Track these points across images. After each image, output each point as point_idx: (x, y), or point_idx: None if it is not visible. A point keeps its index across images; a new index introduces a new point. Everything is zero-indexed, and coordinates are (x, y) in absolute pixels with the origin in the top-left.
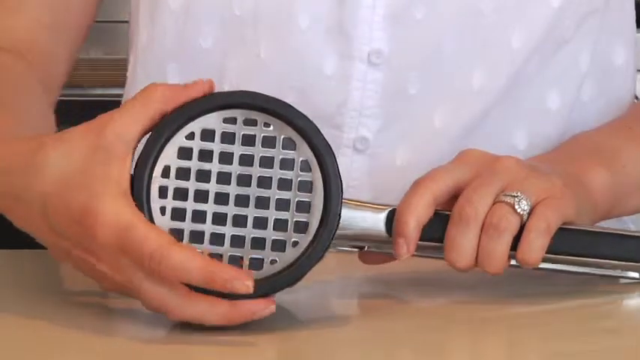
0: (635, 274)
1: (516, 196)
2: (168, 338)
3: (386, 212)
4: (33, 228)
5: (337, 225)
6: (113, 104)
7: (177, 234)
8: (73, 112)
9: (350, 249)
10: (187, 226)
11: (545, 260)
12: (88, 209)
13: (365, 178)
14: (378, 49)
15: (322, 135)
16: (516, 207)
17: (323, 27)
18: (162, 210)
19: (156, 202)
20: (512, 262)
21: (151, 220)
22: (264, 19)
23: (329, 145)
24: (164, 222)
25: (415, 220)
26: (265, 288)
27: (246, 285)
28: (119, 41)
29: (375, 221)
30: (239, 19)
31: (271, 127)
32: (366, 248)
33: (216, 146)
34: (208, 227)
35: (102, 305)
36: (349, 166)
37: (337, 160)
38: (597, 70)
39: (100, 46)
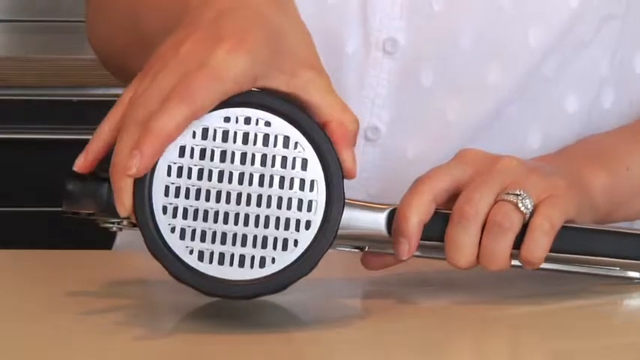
0: (636, 274)
1: (519, 195)
2: (171, 338)
3: (387, 212)
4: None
5: (343, 207)
6: None
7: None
8: (75, 112)
9: (351, 249)
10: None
11: (547, 259)
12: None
13: (375, 169)
14: (393, 38)
15: (322, 130)
16: (519, 205)
17: (349, 9)
18: (164, 209)
19: (160, 201)
20: (514, 262)
21: (154, 220)
22: None
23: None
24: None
25: (416, 218)
26: (276, 283)
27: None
28: None
29: (375, 221)
30: None
31: (270, 125)
32: (366, 248)
33: (215, 145)
34: (213, 225)
35: (103, 305)
36: (360, 156)
37: None
38: (618, 76)
39: None
